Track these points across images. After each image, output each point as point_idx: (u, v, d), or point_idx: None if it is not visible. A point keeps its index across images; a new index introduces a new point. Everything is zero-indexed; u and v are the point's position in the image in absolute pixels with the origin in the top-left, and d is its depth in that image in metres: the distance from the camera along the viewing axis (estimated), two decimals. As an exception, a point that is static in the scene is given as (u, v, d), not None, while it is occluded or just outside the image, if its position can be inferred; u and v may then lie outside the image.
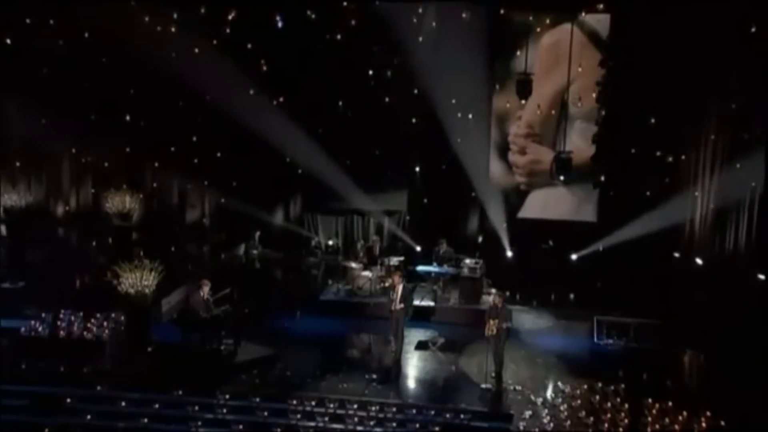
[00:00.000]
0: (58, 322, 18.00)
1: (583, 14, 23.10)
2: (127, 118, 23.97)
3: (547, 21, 23.57)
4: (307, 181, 25.32)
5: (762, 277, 21.08)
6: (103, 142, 24.16)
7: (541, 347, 19.14)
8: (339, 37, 23.46)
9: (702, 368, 18.76)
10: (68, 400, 15.71)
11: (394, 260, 21.61)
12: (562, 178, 22.96)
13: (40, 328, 17.86)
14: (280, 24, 23.09)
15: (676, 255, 23.78)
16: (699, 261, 23.19)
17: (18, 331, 17.93)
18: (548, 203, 24.67)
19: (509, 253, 24.02)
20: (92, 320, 18.14)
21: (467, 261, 20.97)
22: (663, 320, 20.24)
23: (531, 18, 23.62)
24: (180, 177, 25.74)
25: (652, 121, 22.81)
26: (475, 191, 24.69)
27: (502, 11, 23.31)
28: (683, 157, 23.68)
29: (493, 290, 21.03)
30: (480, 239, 24.83)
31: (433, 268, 21.31)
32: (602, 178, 23.86)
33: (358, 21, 23.17)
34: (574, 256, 23.92)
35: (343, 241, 25.88)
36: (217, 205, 26.22)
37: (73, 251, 24.53)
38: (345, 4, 23.06)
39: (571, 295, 22.91)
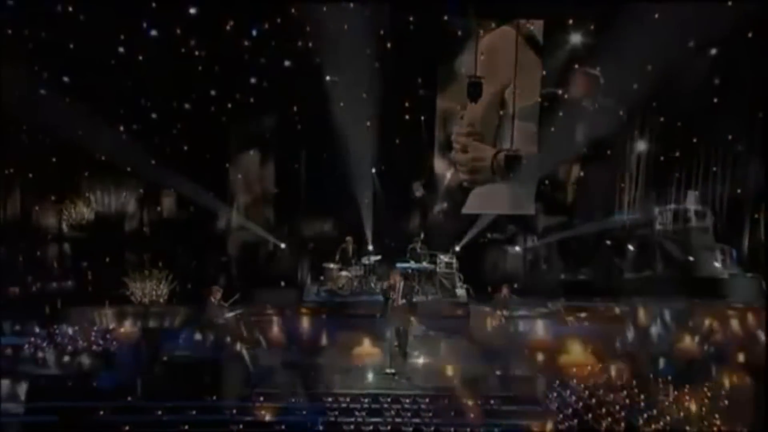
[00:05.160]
0: (56, 338, 17.58)
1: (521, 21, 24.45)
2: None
3: (492, 25, 24.64)
4: (251, 185, 25.46)
5: (691, 258, 23.20)
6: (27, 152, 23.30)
7: (523, 334, 19.96)
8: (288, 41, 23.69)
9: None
10: (101, 413, 15.47)
11: (372, 259, 22.08)
12: (511, 175, 24.11)
13: (44, 345, 17.39)
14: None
15: (608, 243, 25.58)
16: (630, 247, 25.07)
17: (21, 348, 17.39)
18: (489, 199, 25.78)
19: (456, 248, 25.02)
20: (93, 332, 17.82)
21: (442, 257, 21.74)
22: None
23: (473, 22, 24.63)
24: (114, 185, 25.25)
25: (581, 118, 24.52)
26: (418, 190, 25.61)
27: (445, 17, 24.26)
28: (609, 152, 25.50)
29: (465, 285, 22.23)
30: (422, 236, 25.69)
31: (411, 265, 21.95)
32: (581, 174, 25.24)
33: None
34: (517, 249, 25.30)
35: (293, 244, 25.97)
36: (156, 212, 25.81)
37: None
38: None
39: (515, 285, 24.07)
